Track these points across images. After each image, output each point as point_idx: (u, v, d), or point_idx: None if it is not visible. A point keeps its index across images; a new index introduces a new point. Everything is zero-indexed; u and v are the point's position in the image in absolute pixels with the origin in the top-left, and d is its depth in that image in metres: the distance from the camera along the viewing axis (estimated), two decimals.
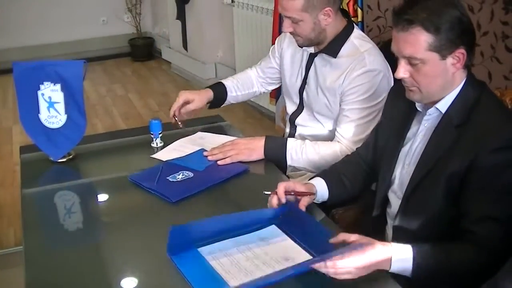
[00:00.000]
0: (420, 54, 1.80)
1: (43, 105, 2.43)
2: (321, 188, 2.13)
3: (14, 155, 4.94)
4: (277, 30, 4.22)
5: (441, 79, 1.84)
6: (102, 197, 2.28)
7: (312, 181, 2.15)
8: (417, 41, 1.79)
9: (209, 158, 2.42)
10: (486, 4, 3.04)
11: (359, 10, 3.60)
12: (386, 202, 2.11)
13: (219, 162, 2.40)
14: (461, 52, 1.79)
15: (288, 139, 2.52)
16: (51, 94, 2.41)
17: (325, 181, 2.15)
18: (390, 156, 2.07)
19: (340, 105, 2.50)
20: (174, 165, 2.36)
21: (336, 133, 2.49)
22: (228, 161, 2.40)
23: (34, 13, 7.72)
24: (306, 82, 2.64)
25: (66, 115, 2.44)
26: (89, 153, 2.57)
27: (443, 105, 1.88)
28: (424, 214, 1.89)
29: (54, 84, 2.40)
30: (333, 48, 2.51)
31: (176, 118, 2.70)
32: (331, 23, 2.46)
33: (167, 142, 2.58)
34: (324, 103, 2.56)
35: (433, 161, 1.85)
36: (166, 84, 7.12)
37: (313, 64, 2.61)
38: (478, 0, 3.08)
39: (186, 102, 2.71)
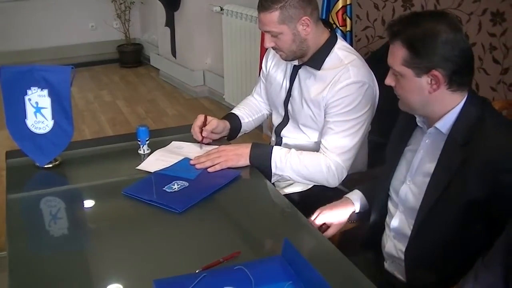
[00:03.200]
0: (397, 67, 1.85)
1: (30, 110, 2.41)
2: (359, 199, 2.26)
3: None
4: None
5: (416, 95, 1.86)
6: (88, 204, 2.26)
7: (349, 195, 2.29)
8: (395, 54, 1.84)
9: (197, 166, 2.41)
10: (474, 16, 3.06)
11: (348, 20, 3.61)
12: (384, 210, 2.12)
13: (209, 170, 2.39)
14: (435, 74, 1.79)
15: (274, 147, 2.52)
16: (38, 99, 2.40)
17: (361, 191, 2.28)
18: (388, 167, 2.09)
19: (324, 117, 2.51)
20: (165, 176, 2.33)
21: (321, 144, 2.50)
22: (217, 168, 2.39)
23: (22, 18, 7.70)
24: (290, 94, 2.65)
25: (53, 120, 2.42)
26: (76, 159, 2.55)
27: (443, 125, 1.87)
28: (438, 239, 1.88)
29: (42, 89, 2.39)
30: (316, 60, 2.51)
31: (204, 135, 2.63)
32: (311, 33, 2.46)
33: (154, 149, 2.57)
34: (309, 115, 2.56)
35: (443, 184, 1.83)
36: (154, 91, 7.11)
37: (297, 76, 2.61)
38: (466, 11, 3.10)
39: (204, 124, 2.65)
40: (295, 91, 2.62)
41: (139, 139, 2.55)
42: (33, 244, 1.98)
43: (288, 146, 2.62)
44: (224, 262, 1.75)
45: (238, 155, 2.44)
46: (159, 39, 7.54)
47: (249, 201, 2.17)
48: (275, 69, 2.75)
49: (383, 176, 2.12)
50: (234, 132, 2.83)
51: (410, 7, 3.50)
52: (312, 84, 2.54)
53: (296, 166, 2.44)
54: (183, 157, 2.49)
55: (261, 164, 2.46)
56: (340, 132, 2.44)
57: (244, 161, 2.45)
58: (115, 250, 1.91)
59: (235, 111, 2.92)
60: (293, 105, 2.64)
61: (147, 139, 2.55)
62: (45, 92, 2.39)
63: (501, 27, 2.96)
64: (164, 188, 2.23)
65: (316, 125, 2.57)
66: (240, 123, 2.86)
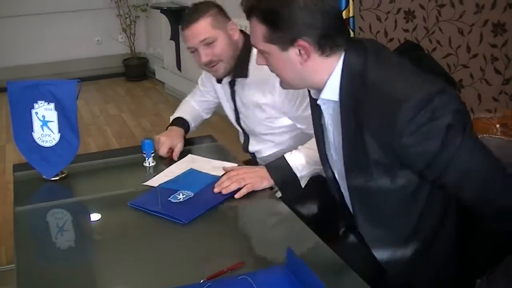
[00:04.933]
0: (260, 46, 1.74)
1: (36, 123, 2.44)
2: None
3: (7, 173, 4.94)
4: None
5: (289, 71, 1.74)
6: (95, 216, 2.28)
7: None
8: (255, 32, 1.74)
9: (224, 191, 2.25)
10: (476, 27, 3.09)
11: (350, 32, 3.64)
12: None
13: (236, 196, 2.24)
14: (301, 44, 1.65)
15: (284, 155, 2.40)
16: (45, 113, 2.43)
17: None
18: (320, 147, 2.01)
19: (290, 114, 2.51)
20: (169, 188, 2.31)
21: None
22: (244, 192, 2.25)
23: (29, 33, 7.75)
24: (238, 111, 2.69)
25: (59, 134, 2.44)
26: (82, 172, 2.58)
27: (330, 94, 1.73)
28: (382, 203, 1.81)
29: (48, 103, 2.41)
30: (240, 69, 2.53)
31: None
32: (239, 38, 2.52)
33: (159, 161, 2.59)
34: (262, 123, 2.59)
35: (351, 151, 1.75)
36: (159, 104, 7.14)
37: (236, 94, 2.65)
38: (467, 23, 3.12)
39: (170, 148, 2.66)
40: (241, 107, 2.66)
41: (144, 152, 2.57)
42: (40, 256, 1.99)
43: (264, 160, 2.63)
44: (228, 272, 1.77)
45: (261, 177, 2.32)
46: (164, 52, 7.57)
47: (253, 212, 2.17)
48: (222, 94, 2.78)
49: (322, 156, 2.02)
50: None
51: (412, 19, 3.53)
52: (250, 93, 2.56)
53: (313, 153, 2.28)
54: (189, 168, 2.49)
55: (284, 177, 2.36)
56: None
57: (268, 183, 2.33)
58: (121, 262, 1.92)
59: (185, 116, 2.89)
60: (245, 120, 2.69)
61: (152, 151, 2.57)
62: (52, 105, 2.42)
63: (502, 38, 2.98)
64: (169, 198, 2.23)
65: (272, 130, 2.59)
66: (189, 129, 2.88)
